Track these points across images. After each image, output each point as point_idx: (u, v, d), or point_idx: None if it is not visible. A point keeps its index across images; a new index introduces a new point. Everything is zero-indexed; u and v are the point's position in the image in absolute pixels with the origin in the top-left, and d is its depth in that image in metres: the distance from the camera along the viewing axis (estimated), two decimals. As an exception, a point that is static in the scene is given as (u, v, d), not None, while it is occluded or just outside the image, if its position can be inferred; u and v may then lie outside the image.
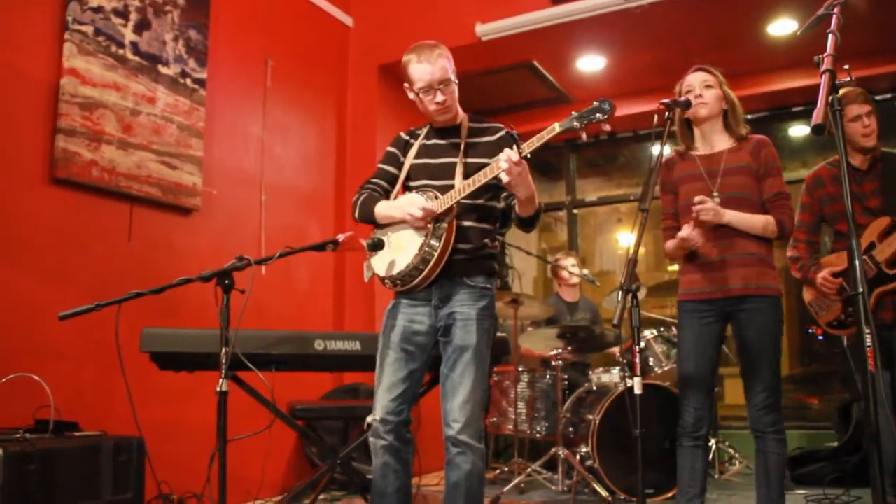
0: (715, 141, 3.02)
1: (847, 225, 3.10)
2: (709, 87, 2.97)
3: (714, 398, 3.02)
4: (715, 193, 2.90)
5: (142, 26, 4.09)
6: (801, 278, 3.37)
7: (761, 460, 2.86)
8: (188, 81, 4.34)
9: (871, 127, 3.15)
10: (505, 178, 2.41)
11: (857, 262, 1.76)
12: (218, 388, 2.52)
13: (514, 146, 2.46)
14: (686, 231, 2.84)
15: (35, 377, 3.08)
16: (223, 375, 2.53)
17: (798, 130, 6.51)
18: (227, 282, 2.60)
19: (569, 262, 5.57)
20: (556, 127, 2.43)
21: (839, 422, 5.03)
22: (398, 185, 2.79)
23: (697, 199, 2.80)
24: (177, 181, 4.20)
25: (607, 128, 2.42)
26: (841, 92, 3.15)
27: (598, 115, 2.40)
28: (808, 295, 3.39)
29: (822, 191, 3.34)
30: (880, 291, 3.10)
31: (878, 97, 3.27)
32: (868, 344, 1.66)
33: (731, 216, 2.86)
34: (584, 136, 2.45)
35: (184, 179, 4.25)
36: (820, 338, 6.61)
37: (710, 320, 2.93)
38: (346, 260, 5.58)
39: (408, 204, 2.62)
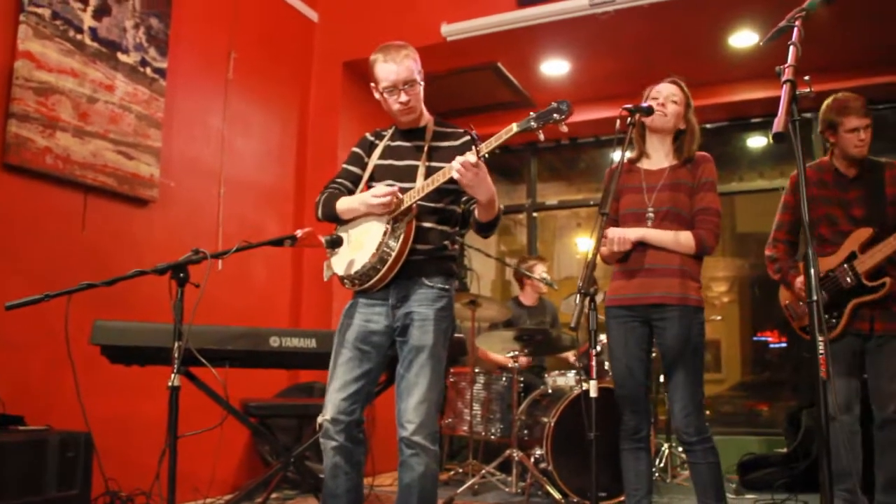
0: (661, 157, 3.05)
1: (827, 229, 3.12)
2: (674, 102, 2.99)
3: (649, 401, 3.04)
4: (649, 208, 2.96)
5: (101, 12, 4.00)
6: (779, 280, 3.38)
7: (695, 472, 2.89)
8: (148, 70, 4.25)
9: (865, 140, 3.13)
10: (456, 175, 2.41)
11: (812, 271, 1.78)
12: (170, 383, 2.46)
13: (473, 147, 2.45)
14: (610, 232, 2.93)
15: (-21, 368, 3.00)
16: (175, 370, 2.47)
17: (756, 141, 6.63)
18: (181, 275, 2.54)
19: (540, 269, 5.52)
20: (514, 127, 2.43)
21: (788, 428, 5.13)
22: (361, 185, 2.77)
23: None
24: (134, 172, 4.12)
25: (564, 129, 2.42)
26: (841, 95, 3.19)
27: (555, 115, 2.40)
28: (784, 297, 3.39)
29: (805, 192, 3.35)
30: (857, 302, 3.12)
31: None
32: (820, 352, 1.69)
33: (643, 234, 2.93)
34: (542, 136, 2.45)
35: (141, 170, 4.17)
36: (771, 346, 6.73)
37: (634, 324, 2.97)
38: (303, 256, 5.53)
39: (370, 194, 2.59)
